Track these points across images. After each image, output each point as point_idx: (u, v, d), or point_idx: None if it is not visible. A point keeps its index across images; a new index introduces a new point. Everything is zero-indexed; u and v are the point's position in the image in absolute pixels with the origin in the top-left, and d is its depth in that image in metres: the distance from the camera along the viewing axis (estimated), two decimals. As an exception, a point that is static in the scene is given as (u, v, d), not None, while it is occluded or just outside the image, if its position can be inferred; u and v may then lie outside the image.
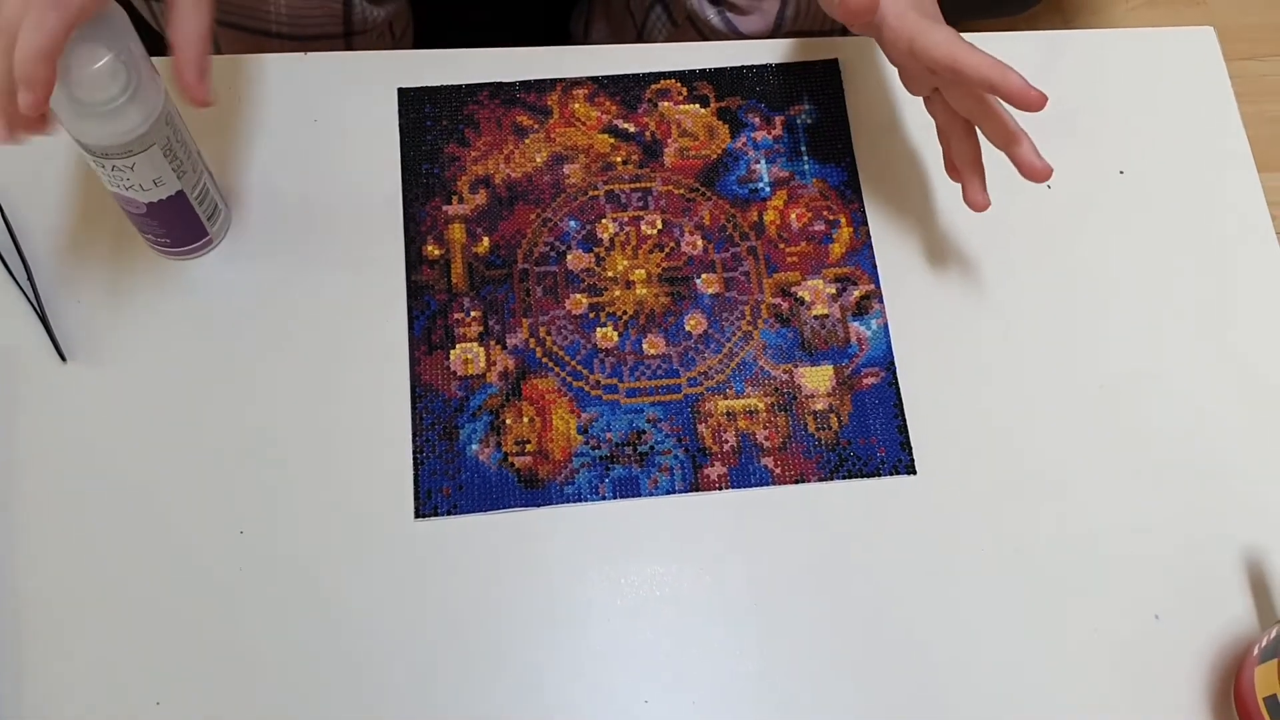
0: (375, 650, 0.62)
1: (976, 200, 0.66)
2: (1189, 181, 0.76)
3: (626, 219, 0.73)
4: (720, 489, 0.67)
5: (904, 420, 0.68)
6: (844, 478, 0.67)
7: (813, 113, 0.76)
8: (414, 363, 0.68)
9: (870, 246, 0.73)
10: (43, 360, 0.67)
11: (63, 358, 0.67)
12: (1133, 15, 1.45)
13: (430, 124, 0.74)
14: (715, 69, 0.77)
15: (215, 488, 0.65)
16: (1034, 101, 0.59)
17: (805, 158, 0.75)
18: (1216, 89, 0.79)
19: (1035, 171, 0.62)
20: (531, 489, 0.66)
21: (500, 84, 0.76)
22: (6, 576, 0.63)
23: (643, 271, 0.71)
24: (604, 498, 0.66)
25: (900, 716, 0.63)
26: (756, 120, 0.76)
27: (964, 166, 0.66)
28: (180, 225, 0.67)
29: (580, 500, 0.66)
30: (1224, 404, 0.70)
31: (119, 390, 0.67)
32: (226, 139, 0.73)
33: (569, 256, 0.71)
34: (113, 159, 0.60)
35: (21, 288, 0.68)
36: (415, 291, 0.70)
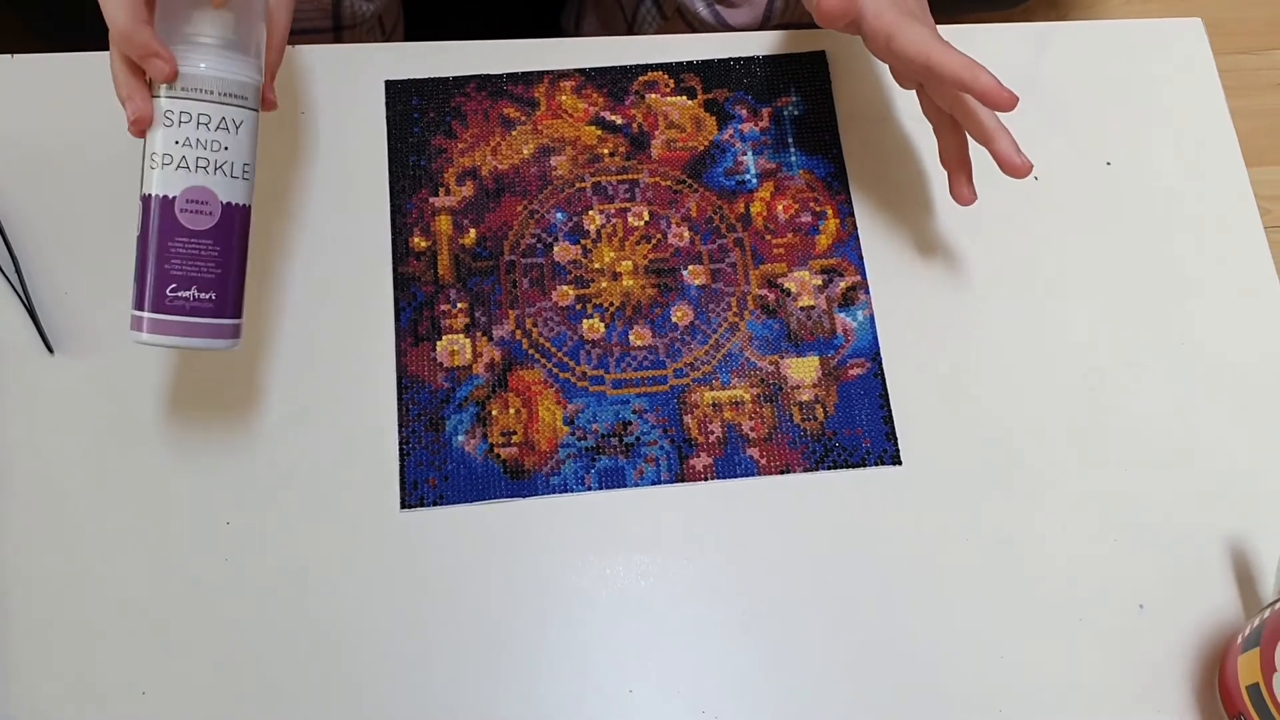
0: (361, 640, 0.63)
1: (961, 194, 0.66)
2: (1176, 173, 0.76)
3: (613, 211, 0.73)
4: (706, 480, 0.67)
5: (889, 411, 0.69)
6: (829, 468, 0.67)
7: (800, 105, 0.76)
8: (400, 354, 0.68)
9: (857, 238, 0.73)
10: (30, 351, 0.67)
11: (50, 349, 0.67)
12: (1126, 9, 1.45)
13: (417, 116, 0.74)
14: (702, 61, 0.77)
15: (201, 479, 0.65)
16: (1004, 102, 0.59)
17: (792, 149, 0.75)
18: (1205, 81, 0.79)
19: (1014, 168, 0.62)
20: (517, 480, 0.66)
21: (487, 76, 0.76)
22: (-7, 567, 0.63)
23: (629, 263, 0.71)
24: (590, 488, 0.66)
25: (885, 705, 0.63)
26: (744, 112, 0.76)
27: (949, 161, 0.66)
28: (233, 269, 0.58)
29: (566, 491, 0.66)
30: (1209, 394, 0.70)
31: (106, 381, 0.67)
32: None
33: (556, 248, 0.71)
34: (228, 104, 0.56)
35: (9, 279, 0.68)
36: (402, 283, 0.70)
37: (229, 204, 0.57)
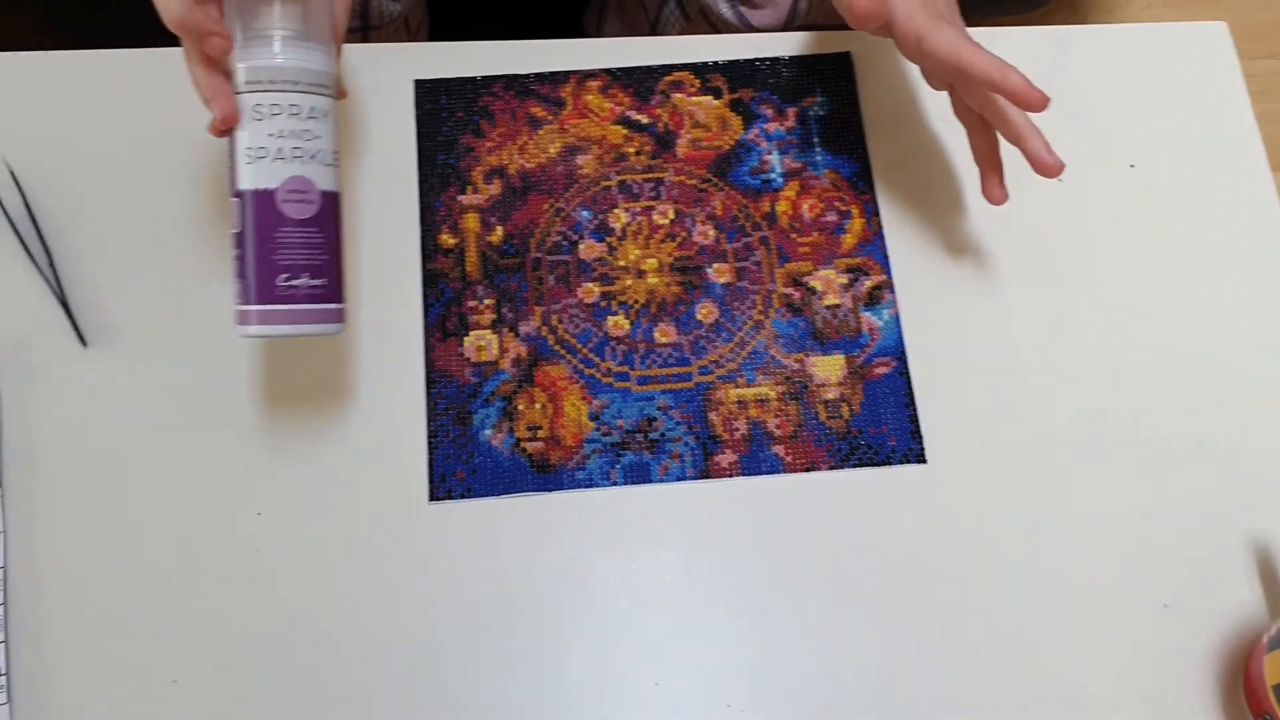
0: (388, 629, 0.63)
1: (993, 194, 0.66)
2: (1199, 176, 0.76)
3: (639, 209, 0.73)
4: (731, 476, 0.67)
5: (914, 409, 0.69)
6: (854, 466, 0.68)
7: (825, 105, 0.76)
8: (429, 349, 0.69)
9: (882, 237, 0.73)
10: (64, 344, 0.68)
11: (83, 342, 0.68)
12: (1147, 13, 1.45)
13: (446, 115, 0.75)
14: (728, 61, 0.77)
15: (232, 470, 0.66)
16: (1035, 102, 0.59)
17: (818, 149, 0.75)
18: (1230, 85, 0.79)
19: (1046, 167, 0.62)
20: (543, 474, 0.67)
21: (515, 76, 0.76)
22: (27, 556, 0.64)
23: (654, 261, 0.72)
24: (615, 483, 0.67)
25: (908, 702, 0.63)
26: (769, 112, 0.76)
27: (981, 161, 0.67)
28: (338, 250, 0.59)
29: (591, 486, 0.67)
30: (1233, 395, 0.70)
31: (137, 374, 0.68)
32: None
33: (581, 246, 0.72)
34: (314, 94, 0.57)
35: (44, 274, 0.69)
36: (430, 279, 0.71)
37: (326, 190, 0.58)
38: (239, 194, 0.57)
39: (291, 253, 0.56)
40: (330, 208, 0.58)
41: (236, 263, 0.57)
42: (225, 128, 0.56)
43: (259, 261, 0.56)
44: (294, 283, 0.57)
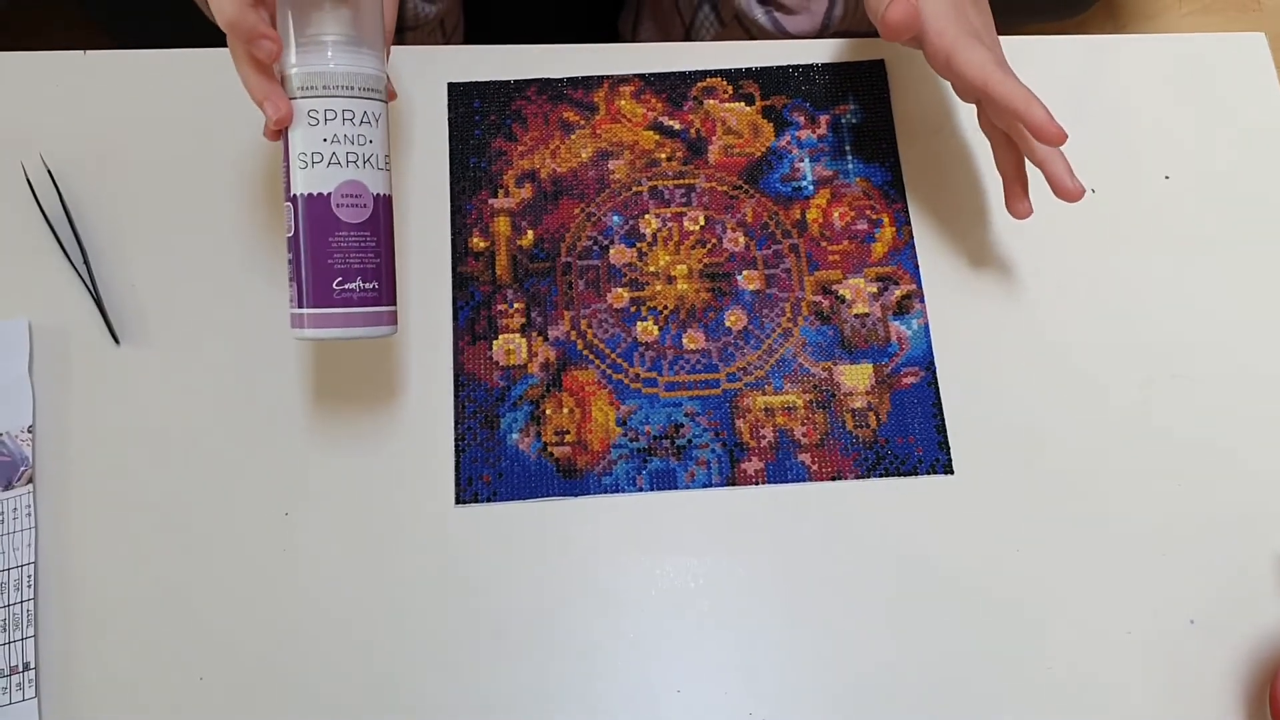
0: (412, 632, 0.63)
1: (1017, 209, 0.66)
2: (1235, 188, 0.75)
3: (669, 215, 0.73)
4: (757, 484, 0.67)
5: (942, 420, 0.69)
6: (881, 476, 0.67)
7: (858, 113, 0.76)
8: (458, 352, 0.69)
9: (913, 246, 0.73)
10: (97, 342, 0.69)
11: (116, 340, 0.69)
12: (1186, 21, 1.44)
13: (479, 118, 0.75)
14: (761, 68, 0.77)
15: (261, 470, 0.66)
16: (1054, 137, 0.59)
17: (849, 157, 0.75)
18: (1267, 95, 0.78)
19: (1067, 191, 0.62)
20: (570, 479, 0.67)
21: (548, 80, 0.77)
22: (57, 552, 0.64)
23: (684, 267, 0.72)
24: (641, 489, 0.67)
25: (931, 714, 0.63)
26: (801, 119, 0.76)
27: (1005, 175, 0.67)
28: (390, 254, 0.59)
29: (617, 491, 0.67)
30: (1263, 409, 0.70)
31: (169, 372, 0.68)
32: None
33: (612, 251, 0.72)
34: (366, 99, 0.57)
35: (78, 272, 0.70)
36: (460, 282, 0.71)
37: (378, 195, 0.58)
38: (293, 198, 0.57)
39: (345, 257, 0.57)
40: (383, 211, 0.58)
41: (290, 266, 0.58)
42: (279, 128, 0.57)
43: (313, 266, 0.57)
44: (348, 287, 0.57)
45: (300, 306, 0.57)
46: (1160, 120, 0.77)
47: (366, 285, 0.57)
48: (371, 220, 0.58)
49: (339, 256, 0.57)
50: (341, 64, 0.56)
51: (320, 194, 0.57)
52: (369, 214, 0.58)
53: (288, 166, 0.57)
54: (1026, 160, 0.65)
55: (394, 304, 0.59)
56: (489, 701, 0.62)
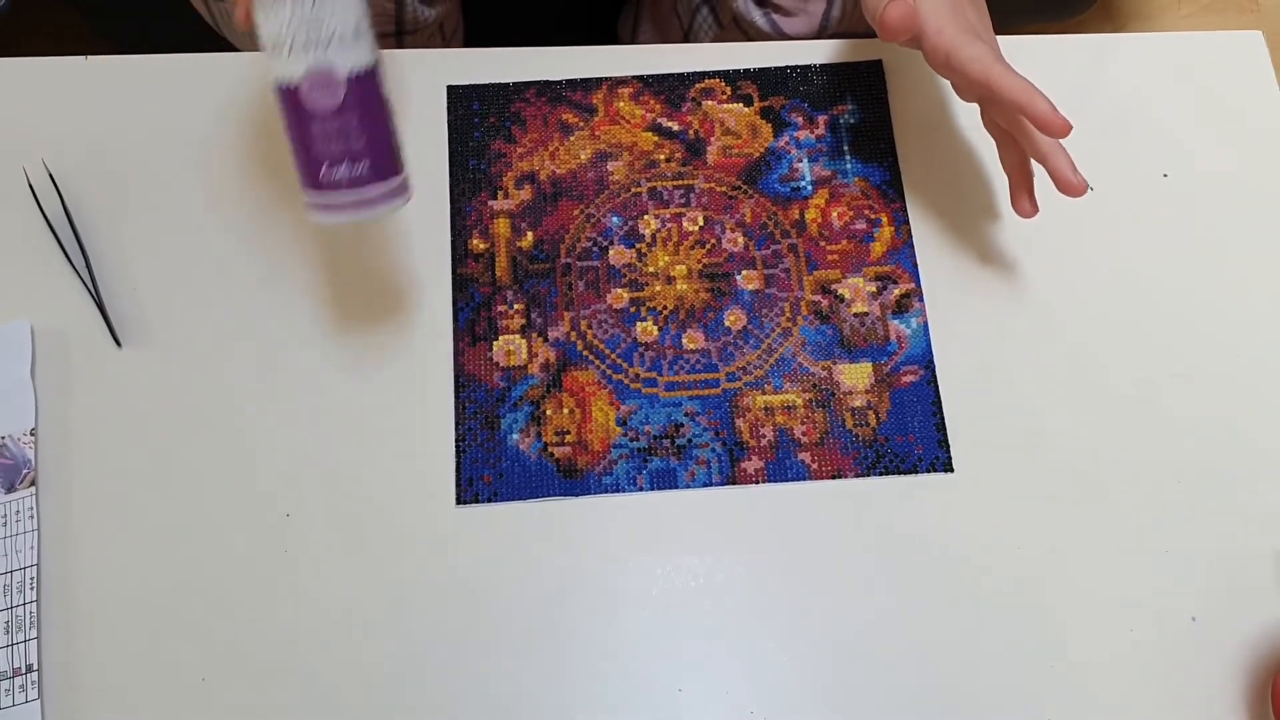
0: (413, 632, 0.64)
1: (1022, 209, 0.67)
2: (1233, 186, 0.75)
3: (669, 215, 0.73)
4: (757, 483, 0.67)
5: (942, 418, 0.69)
6: (881, 474, 0.68)
7: (856, 113, 0.76)
8: (458, 353, 0.70)
9: (911, 245, 0.73)
10: (98, 345, 0.69)
11: (118, 343, 0.69)
12: (1184, 22, 1.44)
13: (478, 120, 0.75)
14: (759, 69, 0.78)
15: (262, 472, 0.67)
16: (1059, 129, 0.59)
17: (848, 157, 0.75)
18: (1265, 94, 0.78)
19: (1070, 186, 0.62)
20: (570, 479, 0.67)
21: (547, 82, 0.77)
22: (59, 554, 0.65)
23: (684, 267, 0.72)
24: (641, 489, 0.67)
25: (933, 712, 0.63)
26: (800, 119, 0.76)
27: (1012, 175, 0.67)
28: (379, 130, 0.57)
29: (618, 491, 0.67)
30: (1262, 406, 0.70)
31: (171, 375, 0.68)
32: (281, 131, 0.74)
33: (611, 252, 0.72)
34: None
35: (80, 275, 0.70)
36: (460, 284, 0.71)
37: (352, 72, 0.55)
38: (275, 90, 0.56)
39: (329, 143, 0.56)
40: (361, 88, 0.56)
41: (293, 155, 0.57)
42: (243, 13, 0.55)
43: (299, 156, 0.56)
44: (336, 173, 0.56)
45: (307, 195, 0.57)
46: (1158, 119, 0.77)
47: (356, 166, 0.56)
48: (348, 100, 0.55)
49: (321, 144, 0.55)
50: None
51: (289, 83, 0.55)
52: (343, 94, 0.55)
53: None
54: (1031, 160, 0.66)
55: (397, 174, 0.58)
56: (490, 702, 0.63)
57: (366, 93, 0.56)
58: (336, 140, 0.56)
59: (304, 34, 0.54)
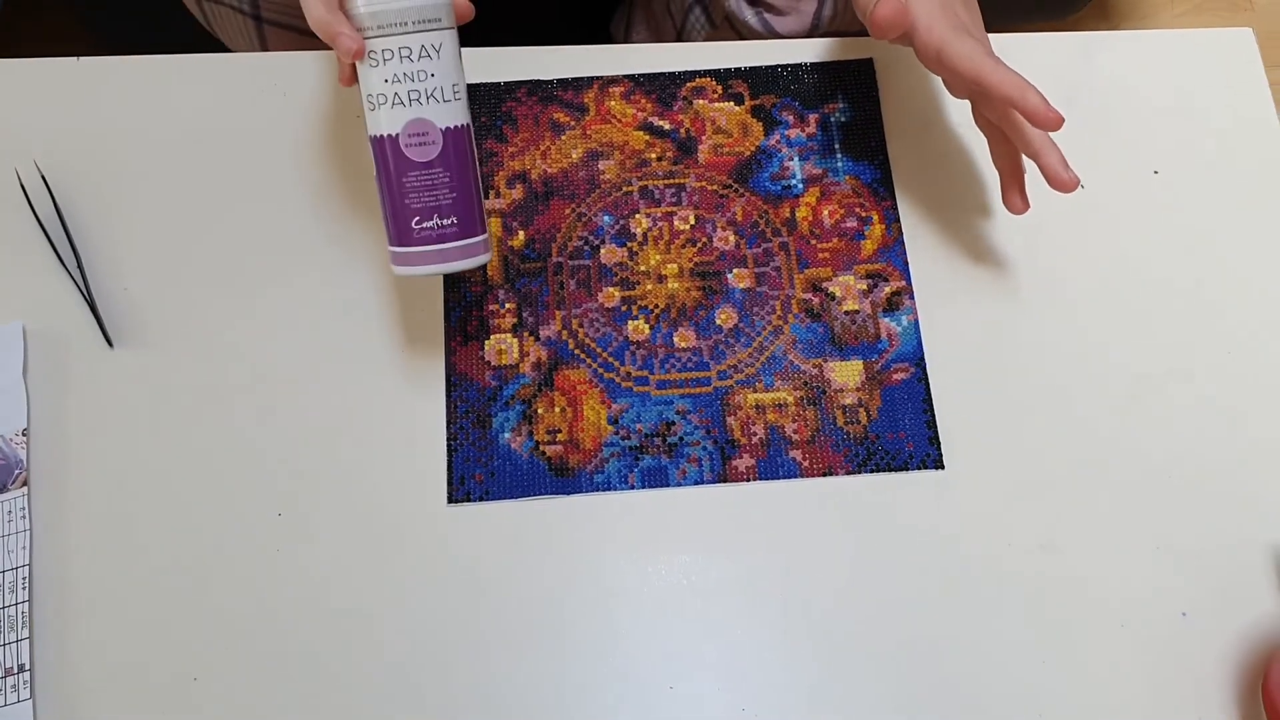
0: (406, 631, 0.64)
1: (1013, 205, 0.67)
2: (1224, 182, 0.75)
3: (660, 214, 0.74)
4: (748, 480, 0.67)
5: (933, 415, 0.69)
6: (872, 471, 0.68)
7: (847, 111, 0.77)
8: (449, 352, 0.70)
9: (902, 243, 0.73)
10: (91, 345, 0.69)
11: (109, 343, 0.69)
12: (1178, 21, 1.44)
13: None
14: (750, 67, 0.78)
15: (254, 471, 0.67)
16: (1051, 121, 0.59)
17: (839, 155, 0.75)
18: (1255, 91, 0.79)
19: (1061, 183, 0.62)
20: (562, 477, 0.67)
21: (538, 81, 0.77)
22: (52, 554, 0.65)
23: (675, 266, 0.72)
24: (633, 487, 0.67)
25: (926, 709, 0.63)
26: (790, 118, 0.76)
27: (1003, 171, 0.67)
28: (469, 187, 0.60)
29: (609, 489, 0.67)
30: (1253, 403, 0.70)
31: (162, 376, 0.69)
32: (272, 132, 0.74)
33: (603, 250, 0.72)
34: (422, 31, 0.57)
35: (72, 276, 0.70)
36: (452, 283, 0.71)
37: (448, 128, 0.59)
38: (372, 140, 0.59)
39: (420, 195, 0.58)
40: (455, 144, 0.59)
41: (383, 206, 0.60)
42: (349, 63, 0.58)
43: (393, 207, 0.59)
44: (426, 225, 0.59)
45: (393, 246, 0.60)
46: (1149, 115, 0.77)
47: (445, 221, 0.59)
48: (442, 156, 0.58)
49: (414, 196, 0.58)
50: (391, 1, 0.57)
51: (389, 135, 0.58)
52: (438, 150, 0.58)
53: (364, 108, 0.59)
54: (1022, 156, 0.66)
55: (481, 233, 0.60)
56: (482, 699, 0.63)
57: (460, 150, 0.59)
58: (429, 193, 0.59)
59: (406, 89, 0.57)
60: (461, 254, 0.59)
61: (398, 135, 0.58)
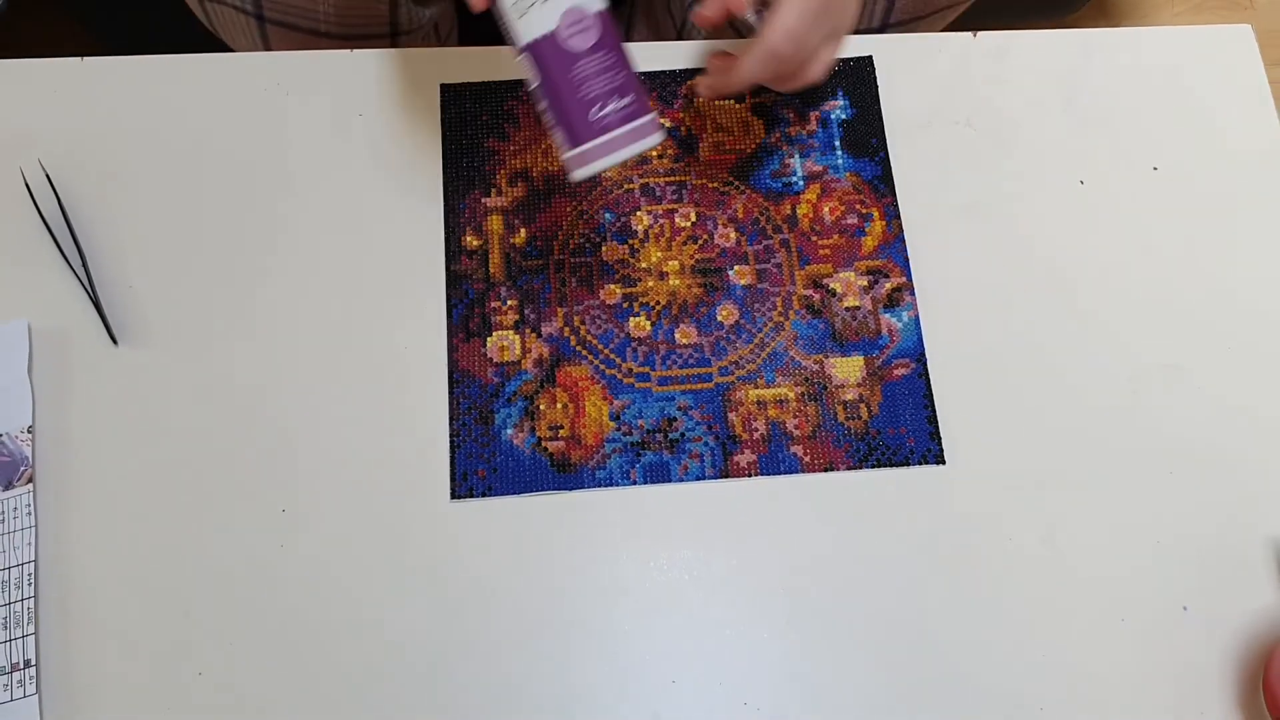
0: (408, 627, 0.64)
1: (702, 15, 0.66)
2: (1222, 179, 0.76)
3: (661, 211, 0.74)
4: (750, 476, 0.68)
5: (934, 411, 0.69)
6: (873, 467, 0.68)
7: (847, 108, 0.77)
8: (452, 349, 0.70)
9: (903, 240, 0.73)
10: (95, 343, 0.69)
11: (114, 341, 0.69)
12: (1178, 20, 1.44)
13: (471, 119, 0.76)
14: (751, 65, 0.78)
15: (258, 467, 0.67)
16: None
17: (839, 152, 0.76)
18: (1254, 88, 0.79)
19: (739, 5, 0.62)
20: (564, 473, 0.67)
21: (540, 80, 0.77)
22: (57, 551, 0.65)
23: (676, 263, 0.72)
24: (635, 483, 0.67)
25: (926, 702, 0.63)
26: (791, 116, 0.77)
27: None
28: (630, 65, 0.59)
29: (611, 485, 0.67)
30: (1253, 397, 0.70)
31: (167, 373, 0.69)
32: (275, 131, 0.75)
33: (604, 248, 0.73)
34: None
35: (76, 273, 0.70)
36: (454, 280, 0.72)
37: (598, 10, 0.58)
38: (526, 48, 0.58)
39: (591, 84, 0.57)
40: (609, 24, 0.58)
41: (546, 115, 0.59)
42: None
43: (565, 105, 0.58)
44: (604, 112, 0.58)
45: (570, 148, 0.58)
46: (1148, 113, 0.78)
47: (623, 101, 0.58)
48: (604, 38, 0.58)
49: (586, 87, 0.57)
50: None
51: (546, 35, 0.57)
52: (599, 33, 0.58)
53: (506, 24, 0.58)
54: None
55: (651, 110, 0.59)
56: (485, 694, 0.63)
57: (612, 30, 0.58)
58: (600, 78, 0.57)
59: None
60: (639, 134, 0.58)
61: (554, 31, 0.57)
